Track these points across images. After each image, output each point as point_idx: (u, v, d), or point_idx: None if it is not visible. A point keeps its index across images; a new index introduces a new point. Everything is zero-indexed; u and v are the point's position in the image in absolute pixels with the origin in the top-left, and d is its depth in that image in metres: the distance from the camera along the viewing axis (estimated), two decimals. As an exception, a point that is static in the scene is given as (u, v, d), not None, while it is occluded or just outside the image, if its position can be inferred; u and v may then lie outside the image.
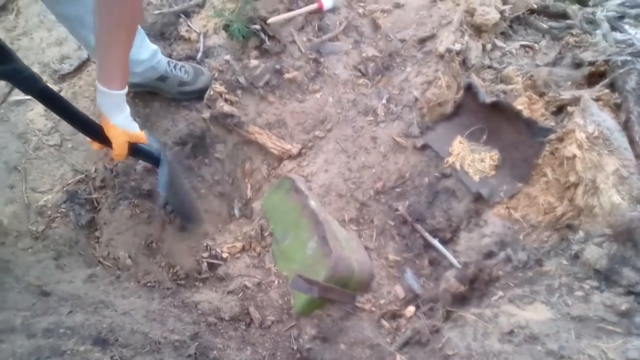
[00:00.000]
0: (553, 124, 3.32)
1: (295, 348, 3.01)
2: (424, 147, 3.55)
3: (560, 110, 3.40)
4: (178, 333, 2.82)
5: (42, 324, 2.57)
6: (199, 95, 3.70)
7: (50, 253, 3.04)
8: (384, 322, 3.15)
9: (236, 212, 3.80)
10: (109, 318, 2.70)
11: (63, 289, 2.83)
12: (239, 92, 3.81)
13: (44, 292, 2.81)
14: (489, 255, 3.12)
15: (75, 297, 2.79)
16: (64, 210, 3.23)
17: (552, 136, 3.21)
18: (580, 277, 2.72)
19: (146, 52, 3.34)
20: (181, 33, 3.98)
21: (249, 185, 3.89)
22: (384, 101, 3.69)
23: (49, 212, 3.18)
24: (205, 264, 3.27)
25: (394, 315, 3.19)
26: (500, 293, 2.87)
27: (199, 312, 3.00)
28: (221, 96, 3.70)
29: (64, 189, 3.35)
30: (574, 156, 2.99)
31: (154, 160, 2.86)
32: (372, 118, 3.68)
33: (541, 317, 2.60)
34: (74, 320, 2.63)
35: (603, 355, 2.34)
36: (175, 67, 3.56)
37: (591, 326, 2.49)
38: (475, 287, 3.02)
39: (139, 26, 3.22)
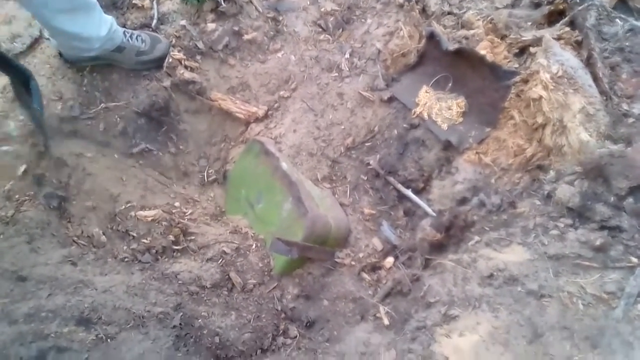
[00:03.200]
0: (517, 66, 3.32)
1: (279, 308, 3.03)
2: (391, 99, 3.54)
3: (522, 51, 3.40)
4: (161, 305, 2.81)
5: (23, 309, 2.54)
6: (157, 64, 3.62)
7: (22, 237, 2.97)
8: (365, 275, 3.19)
9: (207, 178, 3.77)
10: (89, 297, 2.68)
11: (40, 272, 2.78)
12: (198, 57, 3.75)
13: (21, 277, 2.75)
14: (463, 201, 3.16)
15: (53, 279, 2.75)
16: (32, 193, 3.16)
17: (517, 78, 3.22)
18: (554, 216, 2.77)
19: (105, 27, 3.27)
20: (134, 1, 3.85)
21: (218, 151, 3.85)
22: (347, 56, 3.67)
23: (17, 196, 3.11)
24: (181, 233, 3.24)
25: (374, 268, 3.23)
26: (477, 238, 2.91)
27: (179, 282, 2.98)
28: (181, 63, 3.64)
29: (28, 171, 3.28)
30: (540, 97, 3.00)
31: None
32: (337, 74, 3.65)
33: (519, 259, 2.65)
34: (55, 302, 2.60)
35: (581, 291, 2.40)
36: (131, 36, 3.47)
37: (568, 263, 2.54)
38: (452, 234, 3.06)
39: (94, 0, 3.15)
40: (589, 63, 3.18)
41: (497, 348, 2.30)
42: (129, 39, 3.43)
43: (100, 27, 3.22)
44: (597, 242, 2.53)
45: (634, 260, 2.44)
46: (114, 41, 3.36)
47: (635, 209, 2.54)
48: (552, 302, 2.39)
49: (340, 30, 3.82)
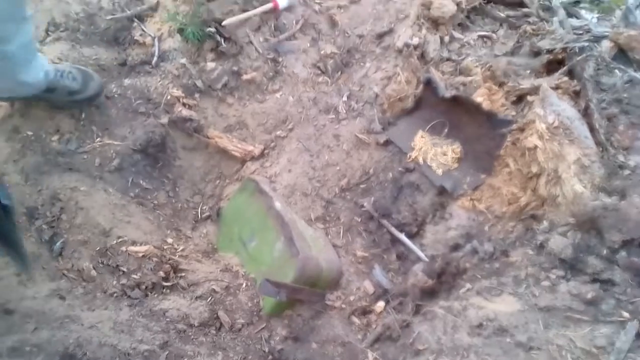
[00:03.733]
0: (514, 113, 3.35)
1: (266, 350, 2.99)
2: (387, 142, 3.55)
3: (520, 99, 3.42)
4: (147, 343, 2.77)
5: (7, 343, 2.50)
6: (91, 101, 3.55)
7: (11, 270, 2.95)
8: (355, 319, 3.16)
9: (200, 215, 3.76)
10: (75, 332, 2.64)
11: (27, 305, 2.76)
12: (196, 95, 3.78)
13: (7, 310, 2.73)
14: (456, 247, 3.15)
15: (39, 313, 2.73)
16: (23, 224, 3.16)
17: (514, 126, 3.24)
18: (546, 267, 2.76)
19: (35, 74, 3.15)
20: (135, 37, 3.90)
21: (213, 188, 3.85)
22: (344, 98, 3.69)
23: (9, 228, 3.11)
24: (171, 270, 3.22)
25: (364, 312, 3.20)
26: (468, 285, 2.89)
27: (167, 319, 2.95)
28: (179, 100, 3.65)
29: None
30: (535, 147, 3.02)
31: None
32: (334, 116, 3.67)
33: (509, 309, 2.63)
34: (40, 337, 2.57)
35: (571, 344, 2.38)
36: (62, 75, 3.37)
37: (559, 315, 2.52)
38: (443, 281, 3.04)
39: (32, 45, 3.07)
40: (586, 113, 3.20)
41: (484, 401, 2.28)
42: (60, 78, 3.35)
43: (29, 72, 3.10)
44: (589, 295, 2.51)
45: (626, 314, 2.42)
46: (43, 84, 3.26)
47: (627, 263, 2.53)
48: (540, 355, 2.36)
49: (339, 73, 3.85)
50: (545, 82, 3.30)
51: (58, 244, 3.13)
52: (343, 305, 3.22)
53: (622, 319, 2.42)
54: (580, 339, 2.39)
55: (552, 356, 2.34)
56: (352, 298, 3.26)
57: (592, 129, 3.11)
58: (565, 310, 2.53)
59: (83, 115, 3.56)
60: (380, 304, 3.16)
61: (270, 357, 2.98)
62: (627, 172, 2.98)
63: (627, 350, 2.30)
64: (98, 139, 3.55)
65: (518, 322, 2.54)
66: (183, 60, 3.77)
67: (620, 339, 2.33)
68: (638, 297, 2.45)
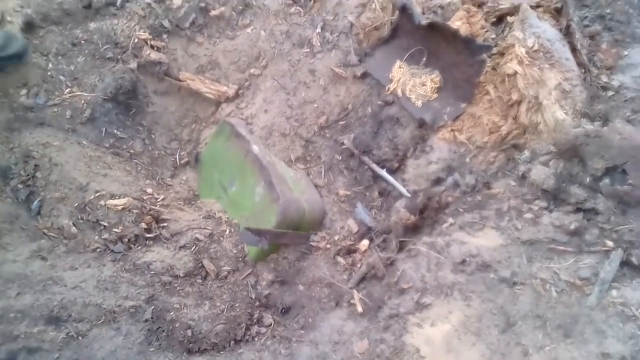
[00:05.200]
0: (493, 36, 3.24)
1: (253, 296, 3.01)
2: (364, 75, 3.45)
3: (500, 20, 3.30)
4: (132, 298, 2.78)
5: (-10, 311, 2.52)
6: (15, 61, 3.42)
7: (-11, 236, 2.94)
8: (340, 259, 3.16)
9: (179, 161, 3.70)
10: (59, 295, 2.64)
11: (8, 269, 2.74)
12: (164, 36, 3.65)
13: (-12, 276, 2.73)
14: (437, 181, 3.11)
15: (22, 277, 2.71)
16: (-2, 186, 3.12)
17: (494, 50, 3.13)
18: (528, 199, 2.72)
19: None
20: (98, -22, 3.72)
21: (190, 132, 3.77)
22: (318, 30, 3.55)
23: (-17, 191, 3.07)
24: (153, 220, 3.18)
25: (349, 251, 3.20)
26: (451, 220, 2.86)
27: (152, 272, 2.95)
28: (146, 43, 3.53)
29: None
30: (515, 73, 2.93)
31: None
32: (308, 49, 3.55)
33: (492, 244, 2.61)
34: (23, 302, 2.57)
35: (555, 277, 2.37)
36: None
37: (542, 248, 2.51)
38: (426, 216, 3.02)
39: None
40: (567, 32, 3.09)
41: (468, 338, 2.28)
42: None
43: None
44: (572, 226, 2.49)
45: (609, 244, 2.41)
46: None
47: (611, 191, 2.48)
48: (525, 290, 2.36)
49: (312, 2, 3.70)
50: (526, 2, 3.16)
51: (35, 202, 3.10)
52: (328, 246, 3.21)
53: (606, 248, 2.41)
54: (564, 272, 2.38)
55: (536, 290, 2.34)
56: (336, 238, 3.25)
57: (573, 49, 3.01)
58: (549, 242, 2.51)
59: (50, 66, 3.45)
60: (365, 243, 3.15)
61: (257, 302, 3.00)
62: (610, 93, 2.91)
63: (611, 280, 2.29)
64: (67, 90, 3.45)
65: (501, 257, 2.52)
66: (148, 0, 3.61)
67: (604, 269, 2.32)
68: (622, 225, 2.42)
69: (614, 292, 2.26)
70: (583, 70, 2.95)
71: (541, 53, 2.90)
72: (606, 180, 2.52)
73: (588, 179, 2.57)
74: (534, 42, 2.91)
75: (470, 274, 2.53)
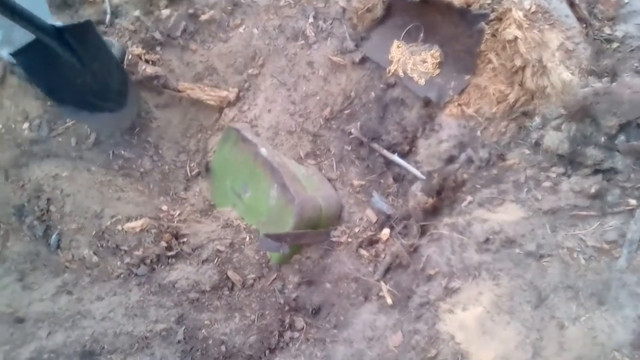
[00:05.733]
0: (489, 1, 3.12)
1: (282, 301, 3.00)
2: (363, 60, 3.38)
3: (494, -17, 3.20)
4: (163, 321, 2.79)
5: (25, 355, 2.54)
6: None
7: (13, 275, 2.95)
8: (363, 251, 3.13)
9: (190, 173, 3.69)
10: (89, 328, 2.67)
11: (36, 309, 2.77)
12: (158, 48, 3.61)
13: (18, 318, 2.75)
14: (451, 159, 3.05)
15: (50, 315, 2.74)
16: (15, 224, 3.12)
17: (491, 16, 3.04)
18: (544, 167, 2.66)
19: None
20: (85, -3, 3.69)
21: (197, 142, 3.75)
22: (311, 20, 3.48)
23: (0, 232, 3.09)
24: (172, 237, 3.17)
25: (371, 242, 3.16)
26: (469, 198, 2.81)
27: (178, 291, 2.95)
28: (141, 58, 3.48)
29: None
30: (515, 38, 2.84)
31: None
32: (303, 41, 3.49)
33: (514, 218, 2.56)
34: (55, 341, 2.60)
35: (582, 244, 2.32)
36: None
37: (564, 216, 2.45)
38: (444, 197, 2.96)
39: None
40: (564, -13, 2.99)
41: (502, 318, 2.24)
42: None
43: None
44: (592, 189, 2.42)
45: (632, 202, 2.35)
46: None
47: (628, 147, 2.41)
48: (552, 262, 2.31)
49: (301, -10, 3.62)
50: (518, -39, 3.06)
51: (53, 237, 3.10)
52: (349, 239, 3.18)
53: (629, 207, 2.34)
54: (590, 237, 2.32)
55: (564, 260, 2.29)
56: (356, 230, 3.22)
57: (572, 4, 2.91)
58: (571, 209, 2.45)
59: (49, 95, 3.44)
60: (386, 231, 3.11)
61: (286, 307, 2.99)
62: (615, 44, 2.82)
63: (639, 239, 2.24)
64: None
65: (524, 230, 2.47)
66: (137, 13, 3.58)
67: (630, 229, 2.26)
68: (643, 182, 2.36)
69: (644, 252, 2.21)
70: (584, 25, 2.86)
71: (539, 14, 2.82)
72: (622, 137, 2.45)
73: (603, 138, 2.50)
74: (530, 4, 2.83)
75: (495, 251, 2.49)
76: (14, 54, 2.91)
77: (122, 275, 3.02)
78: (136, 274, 3.03)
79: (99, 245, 3.09)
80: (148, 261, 3.07)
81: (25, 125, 3.35)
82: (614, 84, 2.50)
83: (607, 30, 2.86)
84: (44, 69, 3.02)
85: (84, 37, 2.98)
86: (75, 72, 3.07)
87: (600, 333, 2.03)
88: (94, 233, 3.10)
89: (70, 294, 2.88)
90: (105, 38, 3.43)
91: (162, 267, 3.08)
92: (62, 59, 2.95)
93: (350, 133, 3.35)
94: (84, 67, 3.06)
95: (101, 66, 3.17)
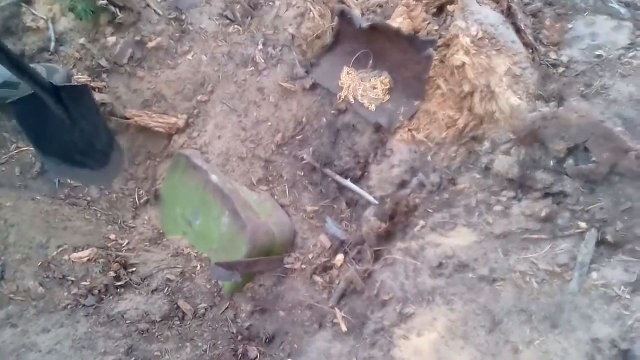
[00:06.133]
0: (437, 27, 3.19)
1: (234, 331, 2.95)
2: (314, 86, 3.39)
3: (441, 10, 3.26)
4: (112, 353, 2.70)
5: (-35, 394, 2.43)
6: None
7: (-43, 310, 2.84)
8: (317, 278, 3.11)
9: (138, 201, 3.62)
10: (35, 362, 2.56)
11: (-22, 344, 2.65)
12: (104, 76, 3.55)
13: (-43, 354, 2.63)
14: (403, 184, 3.06)
15: (-7, 351, 2.63)
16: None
17: (439, 42, 3.08)
18: (495, 191, 2.69)
19: None
20: (27, 24, 3.61)
21: (145, 170, 3.68)
22: (260, 46, 3.47)
23: (-60, 266, 2.97)
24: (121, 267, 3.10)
25: (325, 268, 3.15)
26: (422, 222, 2.82)
27: (127, 322, 2.87)
28: (87, 86, 3.42)
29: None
30: (464, 64, 2.88)
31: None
32: (253, 68, 3.47)
33: (466, 242, 2.58)
34: (-1, 377, 2.49)
35: (534, 268, 2.35)
36: None
37: (516, 240, 2.48)
38: (397, 222, 2.97)
39: None
40: (509, 14, 3.06)
41: (457, 343, 2.24)
42: None
43: None
44: (543, 213, 2.46)
45: (583, 225, 2.39)
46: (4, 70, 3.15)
47: (576, 171, 2.46)
48: (505, 286, 2.33)
49: (249, 18, 3.61)
50: (463, -12, 3.12)
51: (-3, 268, 2.99)
52: (303, 266, 3.16)
53: (580, 230, 2.38)
54: (542, 261, 2.36)
55: (517, 284, 2.31)
56: (310, 256, 3.20)
57: (518, 31, 2.98)
58: (522, 232, 2.49)
59: (-8, 125, 3.36)
60: (340, 257, 3.10)
61: (239, 336, 2.94)
62: (561, 69, 2.88)
63: (590, 262, 2.27)
64: (13, 146, 3.36)
65: (477, 254, 2.49)
66: (82, 41, 3.52)
67: (581, 252, 2.30)
68: (592, 205, 2.40)
69: (595, 275, 2.24)
70: (531, 51, 2.92)
71: (486, 40, 2.86)
72: (570, 161, 2.49)
73: (552, 162, 2.54)
74: (477, 30, 2.87)
75: (448, 276, 2.49)
76: (13, 103, 3.01)
77: (69, 307, 2.92)
78: (84, 305, 2.94)
79: (45, 276, 2.99)
80: (96, 292, 2.98)
81: (-33, 156, 3.27)
82: (561, 108, 2.55)
83: (552, 56, 2.93)
84: (36, 121, 3.10)
85: (78, 97, 3.09)
86: (64, 128, 3.15)
87: (555, 357, 2.04)
88: (39, 264, 3.00)
89: (14, 327, 2.76)
90: (48, 64, 3.38)
91: (111, 297, 3.00)
92: (54, 114, 3.05)
93: (303, 159, 3.34)
94: (73, 124, 3.15)
95: (89, 126, 3.24)
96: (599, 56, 2.82)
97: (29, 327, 2.78)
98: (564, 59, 2.91)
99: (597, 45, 2.87)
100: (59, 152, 3.28)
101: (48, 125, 3.15)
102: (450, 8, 3.15)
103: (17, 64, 2.70)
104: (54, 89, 2.92)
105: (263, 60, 3.44)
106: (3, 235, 3.04)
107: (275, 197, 3.39)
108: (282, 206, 3.34)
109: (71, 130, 3.19)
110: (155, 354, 2.75)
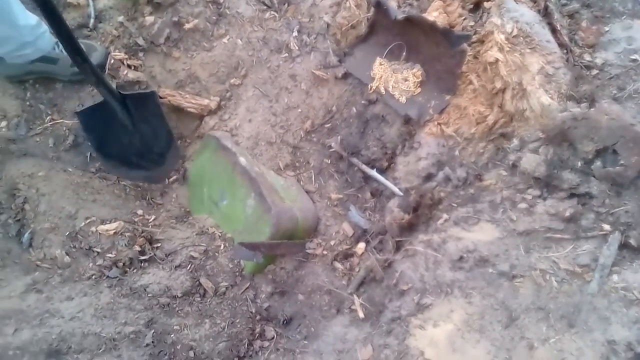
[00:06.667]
0: (472, 23, 3.19)
1: (253, 310, 2.98)
2: (346, 75, 3.40)
3: (477, 6, 3.25)
4: (132, 324, 2.75)
5: (-11, 350, 2.49)
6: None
7: (-19, 272, 2.92)
8: (337, 264, 3.13)
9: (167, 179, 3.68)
10: (57, 327, 2.62)
11: (4, 306, 2.71)
12: (140, 54, 3.60)
13: (-16, 315, 2.70)
14: (428, 177, 3.06)
15: (18, 313, 2.68)
16: (-14, 221, 3.09)
17: (473, 38, 3.09)
18: (521, 188, 2.69)
19: (31, 17, 3.19)
20: (68, 0, 3.66)
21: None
22: (295, 33, 3.50)
23: (-28, 228, 3.05)
24: (146, 242, 3.15)
25: (346, 255, 3.17)
26: (445, 216, 2.83)
27: (149, 295, 2.92)
28: (123, 63, 3.48)
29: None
30: (497, 60, 2.88)
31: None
32: (287, 54, 3.50)
33: (488, 237, 2.58)
34: (21, 338, 2.55)
35: (554, 266, 2.34)
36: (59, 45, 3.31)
37: (539, 238, 2.48)
38: (420, 214, 2.98)
39: None
40: (546, 13, 3.04)
41: (472, 336, 2.26)
42: (62, 50, 3.24)
43: (26, 15, 3.15)
44: (567, 213, 2.46)
45: (606, 227, 2.38)
46: (44, 48, 3.22)
47: (603, 173, 2.45)
48: (525, 282, 2.34)
49: (286, 5, 3.62)
50: (501, -15, 3.11)
51: (26, 235, 3.06)
52: (324, 252, 3.19)
53: (603, 232, 2.38)
54: (563, 260, 2.35)
55: (536, 282, 2.31)
56: (332, 243, 3.22)
57: (553, 30, 2.96)
58: (545, 231, 2.48)
59: (28, 95, 3.42)
60: (361, 246, 3.13)
61: (258, 316, 2.97)
62: (594, 71, 2.87)
63: (611, 264, 2.27)
64: (48, 118, 3.43)
65: (498, 250, 2.50)
66: (120, 19, 3.57)
67: (603, 254, 2.30)
68: (617, 208, 2.39)
69: (615, 277, 2.23)
70: (565, 51, 2.91)
71: (521, 38, 2.85)
72: (598, 163, 2.48)
73: (579, 163, 2.53)
74: (512, 27, 2.86)
75: (468, 270, 2.50)
76: (78, 113, 3.22)
77: (93, 277, 2.98)
78: (108, 276, 2.99)
79: (71, 245, 3.06)
80: (120, 264, 3.04)
81: (4, 124, 3.33)
82: (592, 109, 2.53)
83: (587, 57, 2.91)
84: (100, 127, 3.29)
85: (143, 103, 3.28)
86: (126, 132, 3.34)
87: (569, 355, 2.05)
88: (67, 233, 3.07)
89: (39, 293, 2.82)
90: (87, 41, 3.44)
91: (135, 270, 3.05)
92: (118, 120, 3.25)
93: (330, 147, 3.36)
94: (135, 129, 3.33)
95: (151, 130, 3.41)
96: (634, 60, 2.80)
97: (54, 293, 2.84)
98: (598, 61, 2.89)
99: (633, 49, 2.85)
100: (118, 155, 3.42)
101: (111, 130, 3.30)
102: (486, 5, 3.14)
103: (101, 80, 2.97)
104: (121, 97, 3.12)
105: (297, 47, 3.47)
106: (34, 203, 3.11)
107: (301, 182, 3.42)
108: (307, 192, 3.38)
109: (132, 135, 3.35)
110: (175, 327, 2.80)
